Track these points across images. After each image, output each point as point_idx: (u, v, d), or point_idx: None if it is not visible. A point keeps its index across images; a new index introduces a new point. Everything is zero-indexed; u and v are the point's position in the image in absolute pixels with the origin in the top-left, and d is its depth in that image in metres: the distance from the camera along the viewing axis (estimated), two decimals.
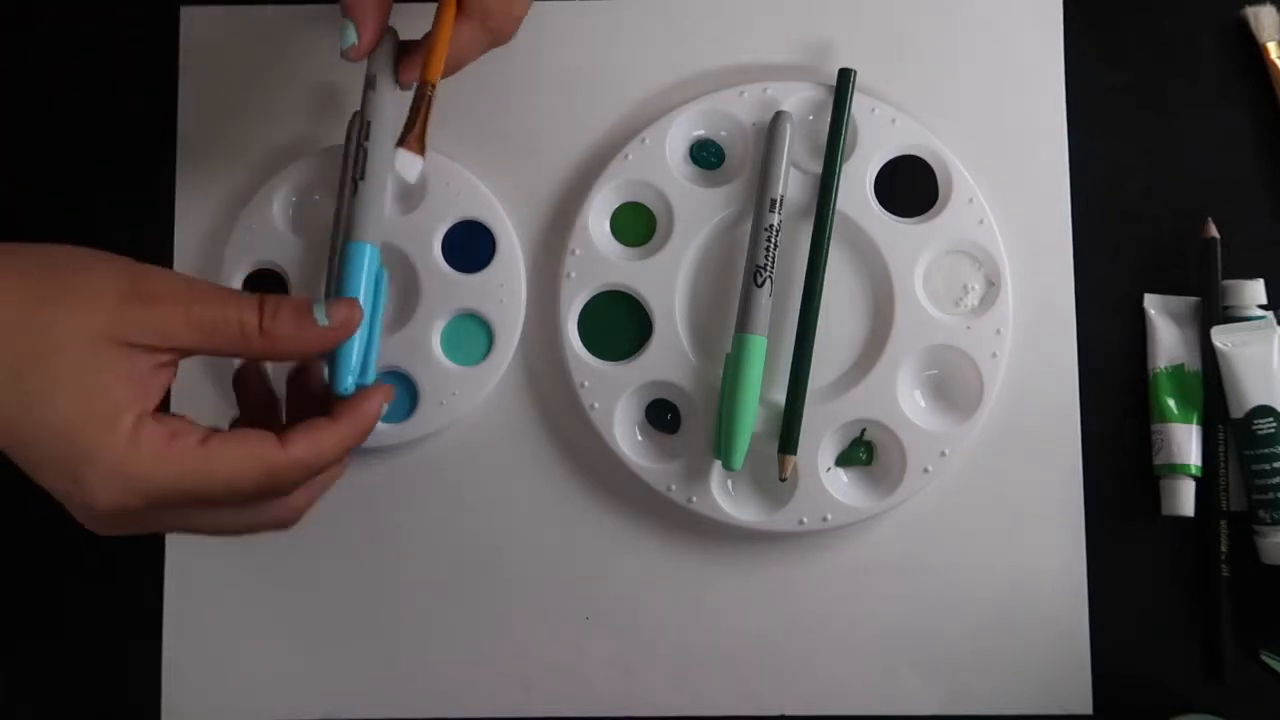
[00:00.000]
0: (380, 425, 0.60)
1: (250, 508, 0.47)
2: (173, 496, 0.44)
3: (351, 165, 0.54)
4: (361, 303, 0.51)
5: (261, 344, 0.46)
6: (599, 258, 0.61)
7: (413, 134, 0.50)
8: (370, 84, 0.55)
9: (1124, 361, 0.62)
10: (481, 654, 0.61)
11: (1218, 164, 0.62)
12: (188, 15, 0.64)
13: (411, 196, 0.62)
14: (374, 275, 0.53)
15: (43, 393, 0.42)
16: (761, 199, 0.60)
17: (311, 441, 0.46)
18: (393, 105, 0.53)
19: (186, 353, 0.45)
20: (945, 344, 0.60)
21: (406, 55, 0.52)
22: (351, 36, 0.50)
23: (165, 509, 0.45)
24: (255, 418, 0.50)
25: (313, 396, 0.51)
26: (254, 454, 0.45)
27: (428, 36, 0.52)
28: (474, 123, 0.63)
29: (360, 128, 0.54)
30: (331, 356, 0.51)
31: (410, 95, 0.51)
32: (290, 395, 0.51)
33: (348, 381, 0.51)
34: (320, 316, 0.47)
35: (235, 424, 0.50)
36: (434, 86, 0.50)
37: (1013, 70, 0.63)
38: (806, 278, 0.60)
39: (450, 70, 0.52)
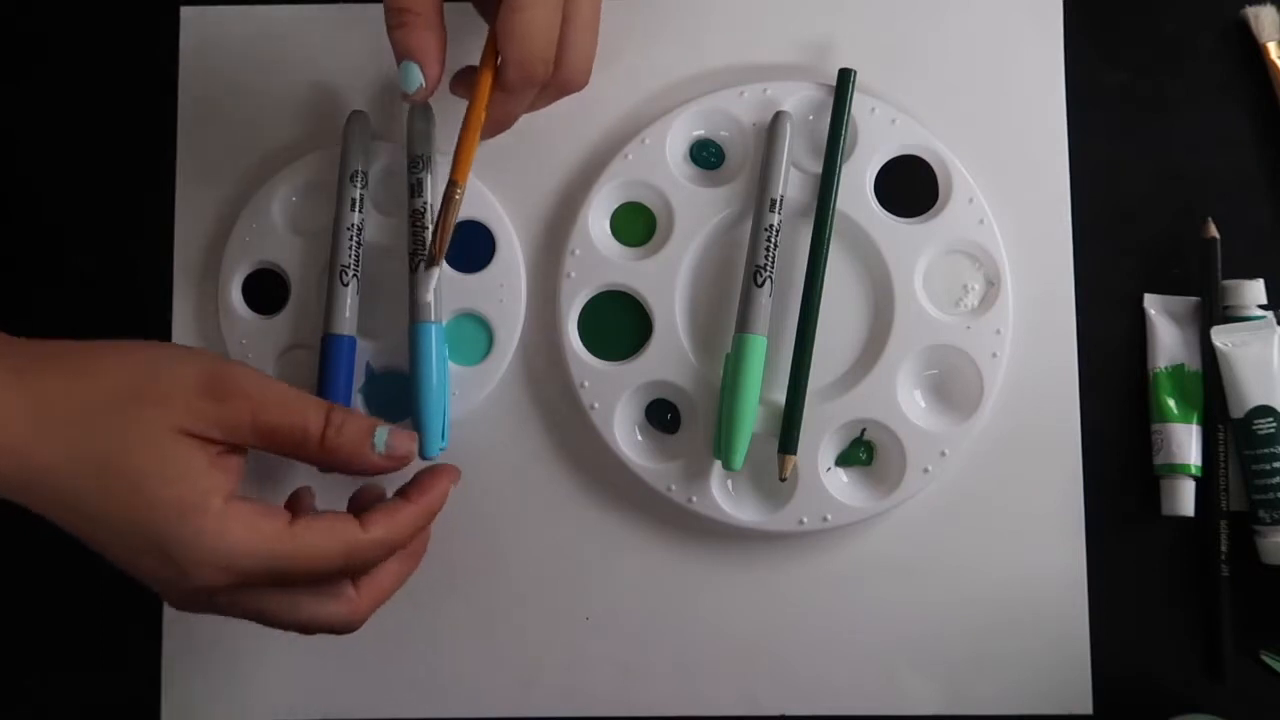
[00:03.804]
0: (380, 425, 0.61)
1: (323, 595, 0.49)
2: (260, 574, 0.46)
3: (417, 246, 0.59)
4: (435, 375, 0.58)
5: (319, 454, 0.48)
6: (599, 258, 0.61)
7: (437, 243, 0.52)
8: (424, 164, 0.59)
9: (1124, 361, 0.62)
10: (481, 654, 0.61)
11: (1218, 164, 0.62)
12: (188, 15, 0.64)
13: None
14: (444, 351, 0.59)
15: (133, 482, 0.45)
16: (761, 199, 0.60)
17: (389, 522, 0.49)
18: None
19: (244, 448, 0.48)
20: (945, 344, 0.60)
21: (460, 80, 0.53)
22: (417, 78, 0.49)
23: (249, 588, 0.47)
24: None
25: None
26: (338, 534, 0.48)
27: (471, 89, 0.52)
28: None
29: (422, 209, 0.59)
30: (417, 426, 0.58)
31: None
32: None
33: (434, 450, 0.58)
34: (380, 445, 0.50)
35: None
36: (462, 188, 0.51)
37: (1013, 70, 0.63)
38: (806, 278, 0.60)
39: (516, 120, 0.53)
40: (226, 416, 0.46)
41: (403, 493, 0.51)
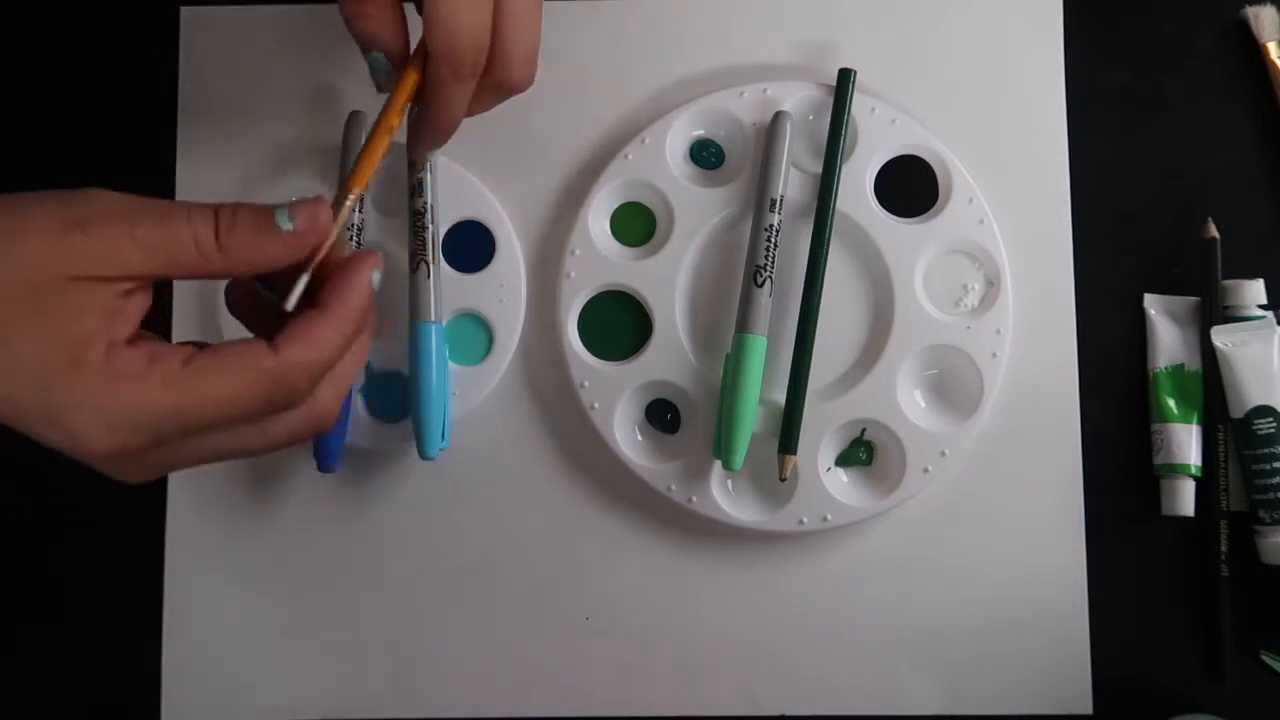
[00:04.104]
0: (380, 426, 0.61)
1: (267, 422, 0.43)
2: (171, 426, 0.40)
3: (419, 246, 0.59)
4: (435, 375, 0.58)
5: (221, 261, 0.41)
6: (599, 258, 0.61)
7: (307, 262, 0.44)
8: (424, 164, 0.60)
9: (1124, 361, 0.62)
10: (481, 654, 0.61)
11: (1218, 164, 0.62)
12: (188, 15, 0.64)
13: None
14: (444, 351, 0.59)
15: None
16: (761, 199, 0.60)
17: (305, 339, 0.42)
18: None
19: (145, 278, 0.41)
20: (945, 344, 0.60)
21: (413, 136, 0.50)
22: (385, 67, 0.48)
23: (173, 442, 0.41)
24: (249, 318, 0.46)
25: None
26: (246, 364, 0.41)
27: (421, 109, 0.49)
28: (474, 123, 0.63)
29: (423, 209, 0.59)
30: (418, 426, 0.57)
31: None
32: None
33: (435, 451, 0.58)
34: (283, 221, 0.42)
35: None
36: (354, 196, 0.46)
37: (1013, 70, 0.63)
38: (806, 278, 0.60)
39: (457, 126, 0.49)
40: (102, 245, 0.40)
41: (317, 301, 0.43)
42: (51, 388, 0.39)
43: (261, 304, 0.46)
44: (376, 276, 0.44)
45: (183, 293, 0.63)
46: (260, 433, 0.43)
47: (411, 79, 0.48)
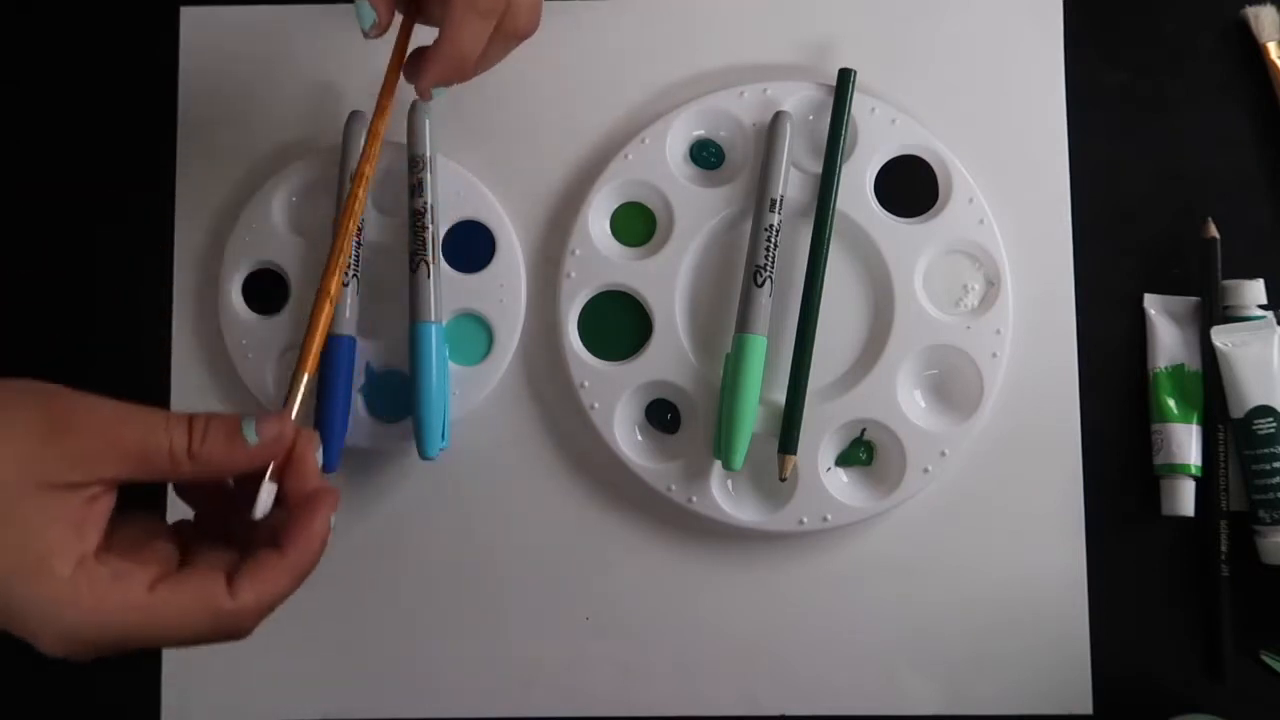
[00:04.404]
0: (380, 426, 0.61)
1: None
2: (119, 644, 0.42)
3: (419, 246, 0.59)
4: (435, 375, 0.58)
5: (192, 468, 0.43)
6: (599, 258, 0.61)
7: (287, 407, 0.48)
8: (424, 164, 0.59)
9: (1124, 361, 0.62)
10: (481, 654, 0.61)
11: (1218, 164, 0.62)
12: (188, 15, 0.64)
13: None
14: (444, 351, 0.59)
15: None
16: (761, 199, 0.60)
17: (260, 583, 0.43)
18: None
19: (116, 483, 0.43)
20: (945, 344, 0.60)
21: (422, 62, 0.51)
22: (370, 15, 0.50)
23: (119, 650, 0.43)
24: (210, 515, 0.48)
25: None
26: (203, 604, 0.43)
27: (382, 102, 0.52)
28: (474, 123, 0.63)
29: (423, 209, 0.59)
30: (418, 426, 0.58)
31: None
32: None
33: (434, 451, 0.58)
34: (250, 435, 0.44)
35: (190, 526, 0.47)
36: (310, 379, 0.48)
37: (1013, 70, 0.63)
38: (806, 278, 0.60)
39: (476, 75, 0.52)
40: (79, 453, 0.42)
41: (277, 540, 0.44)
42: (12, 591, 0.41)
43: (215, 490, 0.47)
44: (332, 520, 0.45)
45: (182, 294, 0.63)
46: (189, 642, 0.44)
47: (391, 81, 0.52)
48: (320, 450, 0.47)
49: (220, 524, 0.47)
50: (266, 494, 0.45)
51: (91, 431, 0.42)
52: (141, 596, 0.42)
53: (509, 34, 0.52)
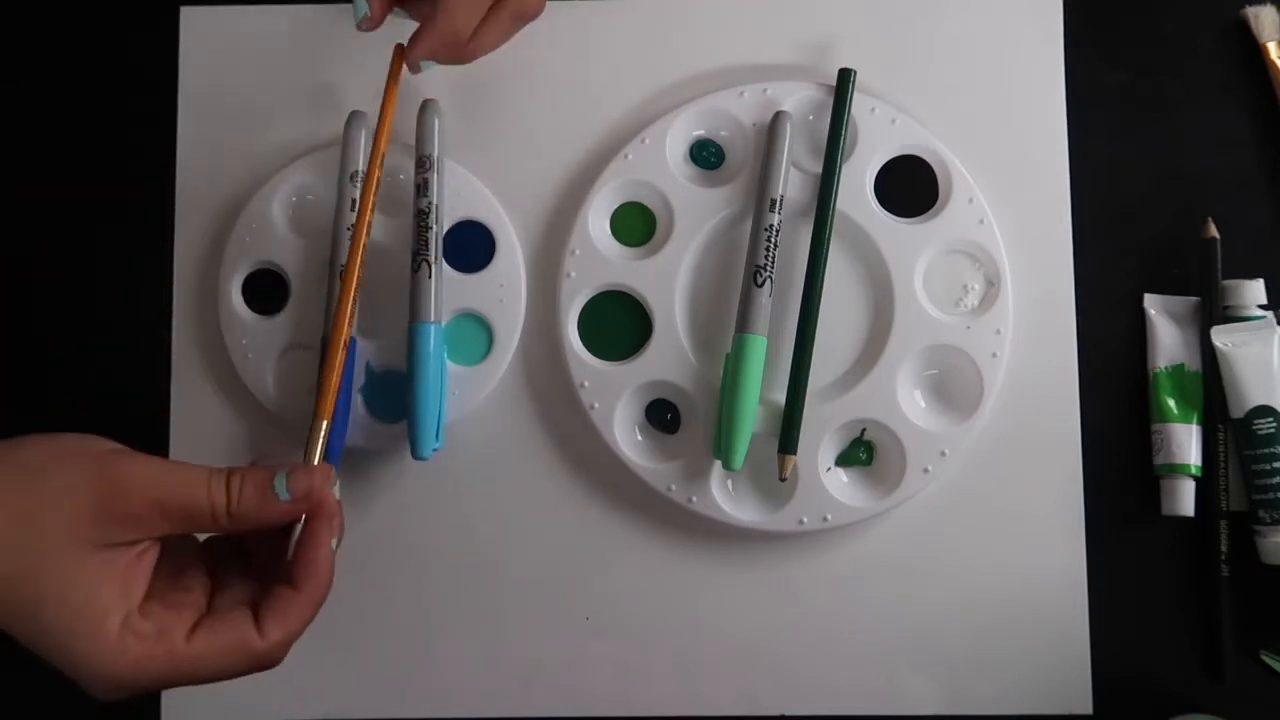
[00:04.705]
0: (379, 426, 0.61)
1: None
2: (162, 685, 0.46)
3: (421, 246, 0.59)
4: (432, 376, 0.58)
5: (230, 524, 0.47)
6: (599, 258, 0.61)
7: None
8: (429, 165, 0.59)
9: (1124, 361, 0.62)
10: (481, 654, 0.61)
11: (1218, 164, 0.62)
12: (188, 15, 0.64)
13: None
14: (442, 352, 0.59)
15: (31, 608, 0.44)
16: (761, 199, 0.60)
17: (285, 620, 0.47)
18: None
19: (160, 538, 0.47)
20: (945, 344, 0.60)
21: (415, 35, 0.53)
22: (363, 8, 0.52)
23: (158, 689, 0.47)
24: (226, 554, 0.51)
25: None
26: (237, 646, 0.47)
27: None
28: (474, 123, 0.63)
29: (427, 209, 0.59)
30: (412, 427, 0.58)
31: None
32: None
33: (428, 451, 0.58)
34: (281, 492, 0.47)
35: (214, 541, 0.51)
36: (328, 424, 0.51)
37: (1013, 70, 0.63)
38: (806, 278, 0.60)
39: (478, 56, 0.54)
40: (132, 517, 0.45)
41: (289, 578, 0.48)
42: (74, 647, 0.44)
43: (234, 543, 0.51)
44: (335, 544, 0.49)
45: (182, 294, 0.63)
46: (225, 678, 0.48)
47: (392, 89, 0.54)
48: (337, 484, 0.50)
49: (238, 545, 0.50)
50: (296, 535, 0.49)
51: (141, 494, 0.45)
52: (181, 647, 0.46)
53: (515, 14, 0.53)
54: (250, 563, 0.49)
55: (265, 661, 0.48)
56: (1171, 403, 0.60)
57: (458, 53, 0.53)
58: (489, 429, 0.62)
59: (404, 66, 0.53)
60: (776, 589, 0.61)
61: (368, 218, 0.54)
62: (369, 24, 0.53)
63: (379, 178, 0.55)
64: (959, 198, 0.61)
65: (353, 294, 0.54)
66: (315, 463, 0.50)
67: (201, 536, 0.50)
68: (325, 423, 0.51)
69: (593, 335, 0.61)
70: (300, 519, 0.49)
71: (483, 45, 0.53)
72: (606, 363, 0.61)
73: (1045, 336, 0.62)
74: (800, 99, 0.61)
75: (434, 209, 0.60)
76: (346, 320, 0.53)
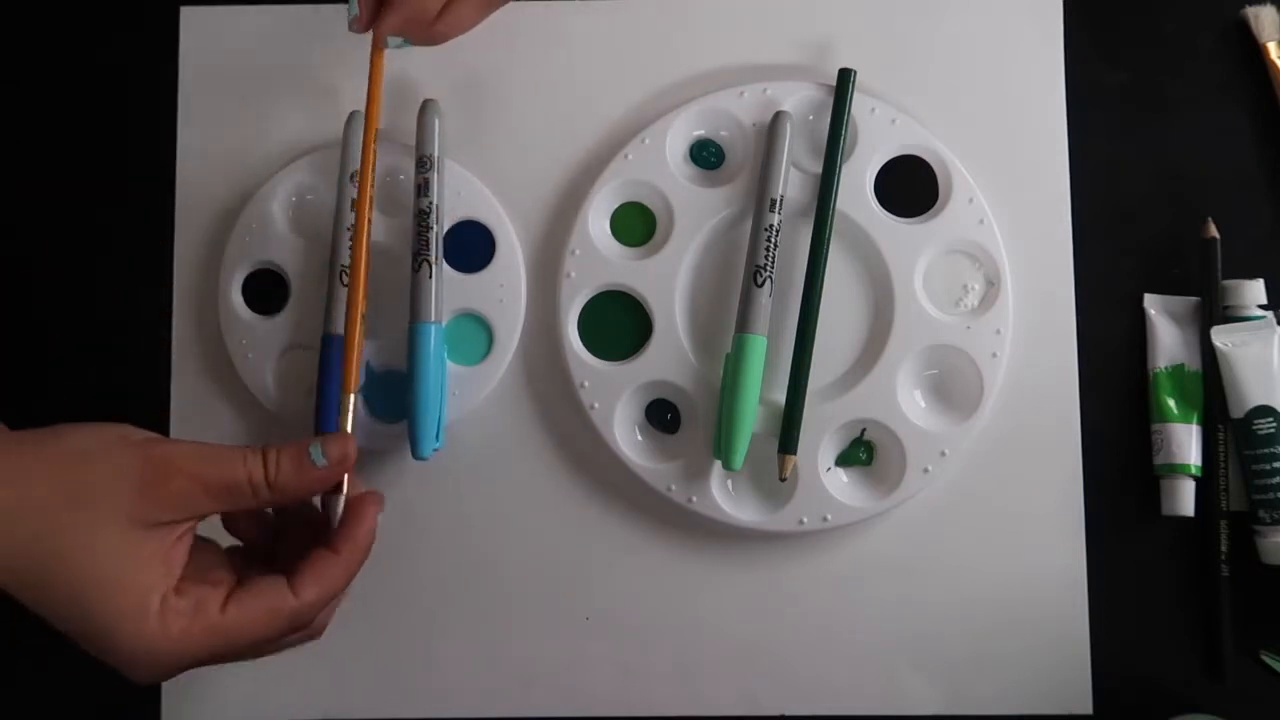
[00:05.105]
0: (380, 426, 0.61)
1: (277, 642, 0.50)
2: (202, 661, 0.47)
3: (422, 246, 0.59)
4: (432, 376, 0.58)
5: (270, 496, 0.48)
6: (599, 258, 0.61)
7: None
8: (429, 165, 0.60)
9: (1124, 361, 0.62)
10: (481, 654, 0.61)
11: (1218, 164, 0.62)
12: (188, 15, 0.64)
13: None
14: (442, 352, 0.59)
15: (72, 592, 0.45)
16: (761, 199, 0.60)
17: (320, 581, 0.48)
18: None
19: (203, 517, 0.48)
20: (945, 344, 0.60)
21: (383, 9, 0.54)
22: (354, 8, 0.53)
23: (200, 666, 0.48)
24: (254, 540, 0.52)
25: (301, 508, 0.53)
26: (273, 607, 0.47)
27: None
28: (474, 123, 0.63)
29: (428, 209, 0.59)
30: (412, 427, 0.58)
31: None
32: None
33: (428, 451, 0.58)
34: (318, 458, 0.49)
35: (240, 552, 0.52)
36: (355, 397, 0.54)
37: (1013, 70, 0.63)
38: (806, 278, 0.60)
39: (450, 37, 0.54)
40: (176, 496, 0.46)
41: (330, 541, 0.50)
42: (114, 635, 0.45)
43: (259, 521, 0.53)
44: (378, 519, 0.51)
45: (182, 294, 0.63)
46: (268, 648, 0.50)
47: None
48: (380, 513, 0.52)
49: (264, 553, 0.51)
50: (340, 506, 0.51)
51: (185, 474, 0.46)
52: (217, 619, 0.46)
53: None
54: (274, 568, 0.50)
55: (302, 620, 0.48)
56: (1171, 403, 0.60)
57: (424, 31, 0.54)
58: (489, 429, 0.62)
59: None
60: (776, 589, 0.61)
61: (370, 174, 0.55)
62: (359, 25, 0.54)
63: (374, 150, 0.56)
64: (959, 198, 0.61)
65: (364, 251, 0.55)
66: (347, 430, 0.53)
67: (225, 543, 0.51)
68: (353, 396, 0.53)
69: (593, 335, 0.61)
70: (342, 490, 0.50)
71: (452, 26, 0.54)
72: (606, 363, 0.61)
73: (1045, 336, 0.62)
74: (800, 99, 0.61)
75: (434, 209, 0.59)
76: (361, 291, 0.54)
